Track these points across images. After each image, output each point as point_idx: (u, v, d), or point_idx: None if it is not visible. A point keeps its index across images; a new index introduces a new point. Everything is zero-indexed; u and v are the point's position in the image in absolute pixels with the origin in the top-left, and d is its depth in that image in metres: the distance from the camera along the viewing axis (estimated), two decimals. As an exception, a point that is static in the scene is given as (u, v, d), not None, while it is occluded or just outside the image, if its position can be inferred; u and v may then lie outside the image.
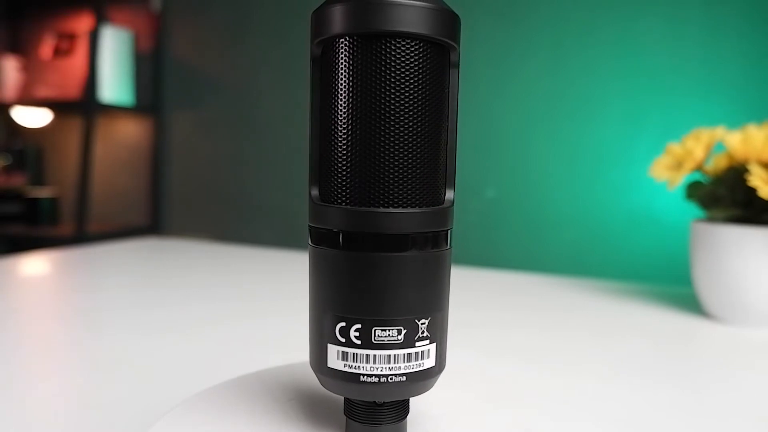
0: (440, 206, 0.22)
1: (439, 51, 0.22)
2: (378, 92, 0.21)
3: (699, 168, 0.56)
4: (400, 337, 0.22)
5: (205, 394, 0.28)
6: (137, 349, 0.43)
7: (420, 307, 0.22)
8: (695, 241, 0.55)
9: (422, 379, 0.23)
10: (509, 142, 1.24)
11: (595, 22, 1.15)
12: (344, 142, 0.21)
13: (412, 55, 0.21)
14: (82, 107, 1.54)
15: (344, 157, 0.22)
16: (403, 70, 0.21)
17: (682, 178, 0.55)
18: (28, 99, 1.68)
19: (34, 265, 0.78)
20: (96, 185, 1.71)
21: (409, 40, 0.21)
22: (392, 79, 0.21)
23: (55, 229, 1.71)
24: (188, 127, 1.66)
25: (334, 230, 0.22)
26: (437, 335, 0.23)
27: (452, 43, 0.22)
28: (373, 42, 0.21)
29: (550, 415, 0.30)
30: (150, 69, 1.68)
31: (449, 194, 0.23)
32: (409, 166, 0.21)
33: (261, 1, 1.52)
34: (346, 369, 0.22)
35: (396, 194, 0.21)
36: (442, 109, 0.22)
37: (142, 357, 0.42)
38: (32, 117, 1.81)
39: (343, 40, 0.21)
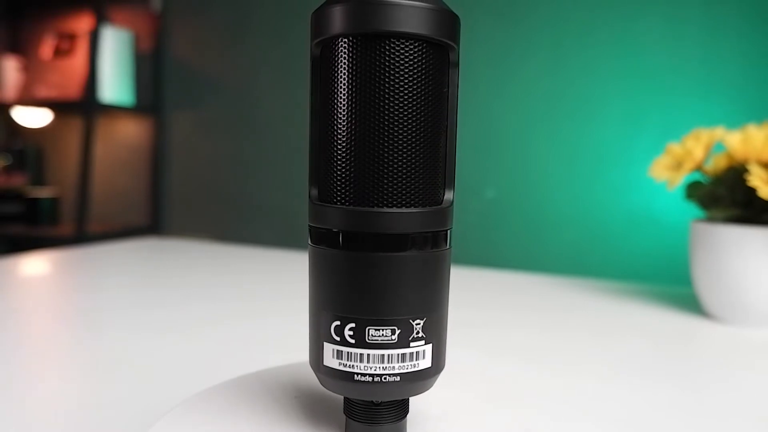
0: (440, 206, 0.22)
1: (438, 51, 0.22)
2: (377, 92, 0.21)
3: (699, 168, 0.56)
4: (394, 337, 0.22)
5: (205, 394, 0.28)
6: (137, 349, 0.43)
7: (415, 308, 0.22)
8: (695, 241, 0.55)
9: (417, 380, 0.22)
10: (509, 142, 1.24)
11: (594, 22, 1.15)
12: (344, 142, 0.22)
13: (412, 55, 0.21)
14: (82, 107, 1.54)
15: (344, 157, 0.22)
16: (402, 70, 0.21)
17: (681, 178, 0.55)
18: (28, 99, 1.68)
19: (35, 265, 0.78)
20: (96, 185, 1.71)
21: (408, 41, 0.21)
22: (392, 80, 0.21)
23: (56, 229, 1.71)
24: (188, 127, 1.66)
25: (334, 230, 0.22)
26: (434, 336, 0.23)
27: (452, 44, 0.22)
28: (372, 42, 0.21)
29: (550, 415, 0.30)
30: (150, 69, 1.68)
31: (449, 194, 0.23)
32: (409, 166, 0.21)
33: (261, 1, 1.52)
34: (341, 368, 0.22)
35: (395, 194, 0.21)
36: (441, 110, 0.22)
37: (142, 357, 0.42)
38: (32, 117, 1.81)
39: (342, 40, 0.21)
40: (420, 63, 0.21)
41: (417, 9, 0.21)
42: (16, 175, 1.81)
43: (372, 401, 0.23)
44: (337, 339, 0.22)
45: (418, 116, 0.21)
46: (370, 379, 0.22)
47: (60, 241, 1.54)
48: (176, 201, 1.69)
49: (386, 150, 0.21)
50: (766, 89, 1.03)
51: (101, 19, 1.53)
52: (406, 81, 0.21)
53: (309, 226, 0.23)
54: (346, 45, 0.21)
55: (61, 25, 1.80)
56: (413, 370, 0.22)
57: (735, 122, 0.63)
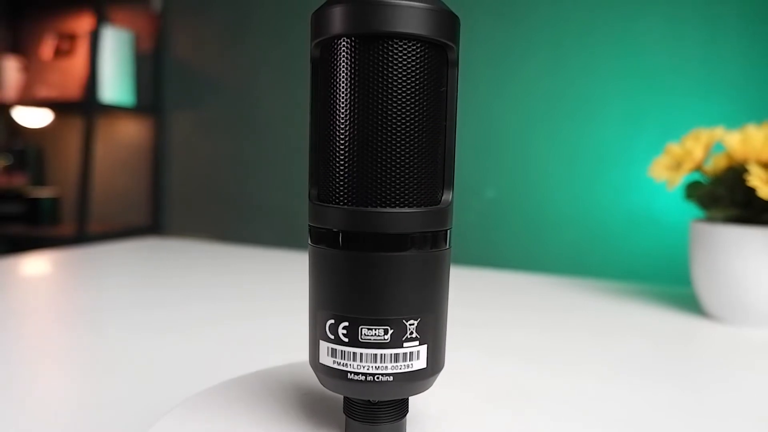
0: (439, 206, 0.22)
1: (438, 52, 0.22)
2: (377, 93, 0.21)
3: (698, 168, 0.56)
4: (386, 337, 0.22)
5: (205, 394, 0.28)
6: (137, 349, 0.43)
7: (409, 308, 0.22)
8: (694, 241, 0.55)
9: (412, 380, 0.22)
10: (509, 142, 1.24)
11: (595, 22, 1.15)
12: (343, 142, 0.22)
13: (412, 55, 0.21)
14: (82, 107, 1.54)
15: (343, 157, 0.22)
16: (402, 70, 0.21)
17: (681, 178, 0.55)
18: (28, 99, 1.68)
19: (35, 265, 0.78)
20: (96, 185, 1.71)
21: (408, 41, 0.21)
22: (391, 80, 0.21)
23: (56, 229, 1.71)
24: (188, 127, 1.66)
25: (334, 230, 0.22)
26: (429, 337, 0.23)
27: (451, 44, 0.22)
28: (372, 43, 0.21)
29: (550, 415, 0.30)
30: (150, 69, 1.68)
31: (448, 194, 0.23)
32: (408, 165, 0.21)
33: (261, 1, 1.52)
34: (335, 366, 0.22)
35: (395, 194, 0.21)
36: (441, 110, 0.22)
37: (142, 357, 0.42)
38: (33, 117, 1.81)
39: (342, 40, 0.21)
40: (420, 63, 0.21)
41: (417, 9, 0.21)
42: (17, 175, 1.81)
43: (369, 400, 0.23)
44: (332, 337, 0.22)
45: (418, 116, 0.21)
46: (363, 378, 0.22)
47: (60, 241, 1.54)
48: (176, 201, 1.69)
49: (386, 150, 0.21)
50: (766, 89, 1.03)
51: (101, 19, 1.53)
52: (406, 81, 0.21)
53: (309, 225, 0.23)
54: (345, 45, 0.21)
55: (62, 25, 1.80)
56: (407, 370, 0.22)
57: (734, 122, 0.63)
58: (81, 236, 1.50)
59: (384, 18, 0.20)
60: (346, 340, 0.22)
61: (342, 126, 0.22)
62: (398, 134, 0.21)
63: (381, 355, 0.22)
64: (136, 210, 1.73)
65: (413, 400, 0.28)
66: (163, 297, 0.60)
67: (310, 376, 0.30)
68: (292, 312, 0.54)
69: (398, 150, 0.21)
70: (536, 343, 0.47)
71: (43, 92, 1.64)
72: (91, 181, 1.59)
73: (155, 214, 1.70)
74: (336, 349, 0.22)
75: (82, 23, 1.75)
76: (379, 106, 0.21)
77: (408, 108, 0.21)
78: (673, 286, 0.70)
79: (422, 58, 0.21)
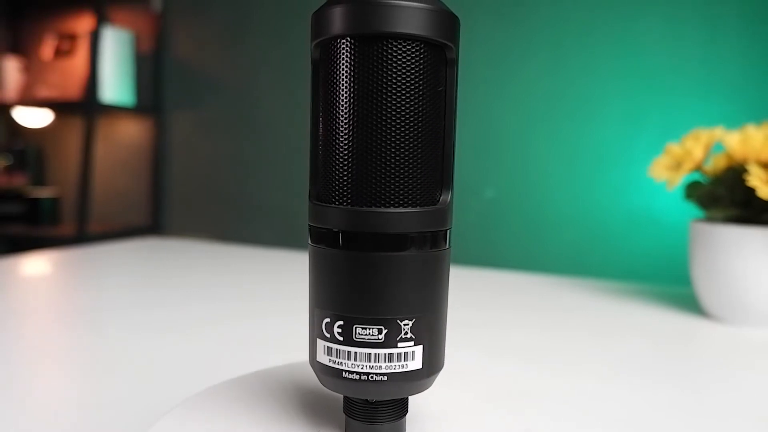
0: (439, 206, 0.23)
1: (438, 52, 0.22)
2: (376, 93, 0.21)
3: (698, 168, 0.56)
4: (380, 337, 0.22)
5: (205, 394, 0.28)
6: (137, 349, 0.43)
7: (404, 308, 0.22)
8: (694, 241, 0.55)
9: (407, 381, 0.22)
10: (509, 143, 1.24)
11: (595, 22, 1.15)
12: (343, 142, 0.22)
13: (412, 56, 0.21)
14: (82, 107, 1.54)
15: (343, 157, 0.22)
16: (402, 71, 0.21)
17: (681, 178, 0.55)
18: (29, 99, 1.68)
19: (35, 265, 0.78)
20: (97, 185, 1.71)
21: (408, 42, 0.21)
22: (391, 80, 0.21)
23: (56, 229, 1.71)
24: (188, 127, 1.66)
25: (334, 230, 0.22)
26: (425, 337, 0.22)
27: (451, 45, 0.22)
28: (372, 43, 0.21)
29: (550, 415, 0.30)
30: (150, 69, 1.68)
31: (448, 194, 0.23)
32: (408, 165, 0.21)
33: (261, 1, 1.52)
34: (331, 364, 0.23)
35: (394, 194, 0.21)
36: (440, 110, 0.22)
37: (142, 357, 0.42)
38: (33, 117, 1.81)
39: (342, 41, 0.21)
40: (419, 64, 0.21)
41: (417, 10, 0.21)
42: (17, 175, 1.81)
43: (367, 400, 0.23)
44: (328, 336, 0.23)
45: (418, 117, 0.21)
46: (357, 377, 0.22)
47: (60, 241, 1.54)
48: (176, 201, 1.69)
49: (385, 150, 0.21)
50: (766, 89, 1.03)
51: (102, 19, 1.53)
52: (406, 82, 0.21)
53: (309, 225, 0.24)
54: (345, 46, 0.21)
55: (62, 25, 1.80)
56: (402, 370, 0.22)
57: (734, 122, 0.63)
58: (81, 236, 1.50)
59: (384, 18, 0.20)
60: (341, 338, 0.22)
61: (341, 126, 0.22)
62: (398, 134, 0.21)
63: (375, 354, 0.22)
64: (136, 210, 1.73)
65: (413, 400, 0.28)
66: (163, 297, 0.60)
67: (310, 376, 0.30)
68: (292, 312, 0.54)
69: (398, 150, 0.21)
70: (536, 343, 0.47)
71: (44, 92, 1.64)
72: (92, 181, 1.59)
73: (155, 214, 1.70)
74: (332, 348, 0.22)
75: (83, 23, 1.76)
76: (379, 107, 0.21)
77: (408, 108, 0.21)
78: (673, 286, 0.70)
79: (422, 59, 0.21)
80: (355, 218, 0.21)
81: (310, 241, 0.24)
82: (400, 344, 0.22)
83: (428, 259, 0.22)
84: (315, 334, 0.23)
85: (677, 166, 0.56)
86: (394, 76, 0.21)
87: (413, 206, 0.22)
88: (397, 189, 0.21)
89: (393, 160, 0.21)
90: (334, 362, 0.22)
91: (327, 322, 0.22)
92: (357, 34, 0.21)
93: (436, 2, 0.21)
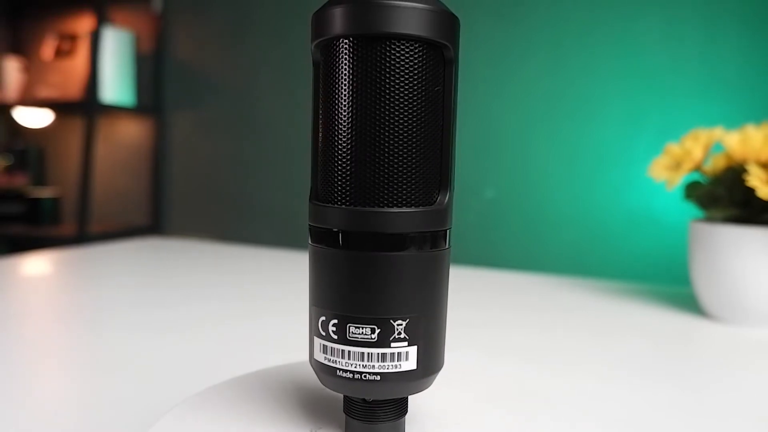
0: (438, 206, 0.23)
1: (437, 52, 0.22)
2: (376, 93, 0.21)
3: (697, 168, 0.56)
4: (373, 336, 0.22)
5: (205, 394, 0.28)
6: (137, 349, 0.43)
7: (397, 308, 0.22)
8: (694, 241, 0.55)
9: (400, 381, 0.22)
10: (508, 143, 1.24)
11: (594, 22, 1.15)
12: (342, 142, 0.22)
13: (412, 56, 0.21)
14: (83, 108, 1.54)
15: (343, 157, 0.22)
16: (402, 71, 0.21)
17: (680, 179, 0.55)
18: (29, 99, 1.68)
19: (36, 265, 0.78)
20: (97, 185, 1.71)
21: (408, 42, 0.21)
22: (391, 81, 0.21)
23: (57, 229, 1.71)
24: (188, 128, 1.66)
25: (333, 230, 0.22)
26: (419, 338, 0.22)
27: (451, 45, 0.22)
28: (372, 43, 0.21)
29: (550, 415, 0.30)
30: (151, 69, 1.68)
31: (448, 194, 0.23)
32: (408, 165, 0.22)
33: (261, 1, 1.52)
34: (326, 362, 0.23)
35: (394, 194, 0.21)
36: (440, 110, 0.22)
37: (142, 357, 0.42)
38: (34, 117, 1.81)
39: (342, 41, 0.21)
40: (419, 64, 0.21)
41: (417, 11, 0.21)
42: (18, 176, 1.81)
43: (364, 399, 0.23)
44: (323, 334, 0.23)
45: (417, 117, 0.21)
46: (351, 375, 0.22)
47: (61, 241, 1.54)
48: (177, 201, 1.69)
49: (385, 150, 0.21)
50: (766, 89, 1.03)
51: (102, 19, 1.53)
52: (406, 82, 0.21)
53: (309, 225, 0.24)
54: (345, 46, 0.21)
55: (62, 25, 1.80)
56: (395, 370, 0.22)
57: (734, 122, 0.63)
58: (81, 236, 1.50)
59: (384, 19, 0.20)
60: (335, 337, 0.22)
61: (341, 126, 0.22)
62: (398, 134, 0.21)
63: (368, 354, 0.22)
64: (136, 210, 1.73)
65: (413, 400, 0.28)
66: (163, 297, 0.60)
67: (310, 376, 0.30)
68: (292, 312, 0.54)
69: (397, 150, 0.21)
70: (536, 343, 0.47)
71: (44, 92, 1.65)
72: (92, 181, 1.59)
73: (155, 214, 1.70)
74: (327, 346, 0.23)
75: (83, 23, 1.76)
76: (379, 107, 0.21)
77: (408, 109, 0.21)
78: (673, 286, 0.70)
79: (422, 59, 0.21)
80: (354, 218, 0.22)
81: (310, 241, 0.24)
82: (393, 344, 0.22)
83: (428, 259, 0.22)
84: (313, 332, 0.23)
85: (677, 166, 0.56)
86: (393, 76, 0.21)
87: (413, 206, 0.22)
88: (396, 189, 0.21)
89: (392, 160, 0.21)
90: (330, 360, 0.23)
91: (323, 321, 0.23)
92: (357, 34, 0.21)
93: (436, 3, 0.21)
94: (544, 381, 0.37)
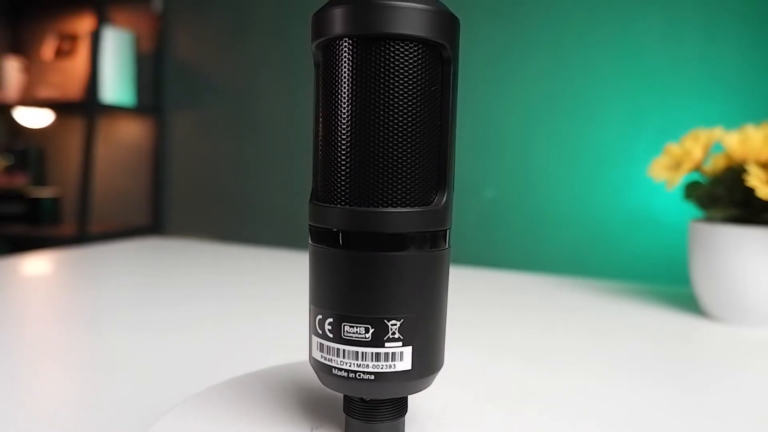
0: (438, 206, 0.23)
1: (437, 53, 0.22)
2: (376, 94, 0.21)
3: (697, 168, 0.56)
4: (368, 336, 0.22)
5: (205, 394, 0.28)
6: (137, 349, 0.43)
7: (392, 308, 0.22)
8: (694, 241, 0.55)
9: (395, 381, 0.22)
10: (508, 143, 1.24)
11: (594, 22, 1.15)
12: (342, 142, 0.22)
13: (412, 57, 0.21)
14: (83, 108, 1.54)
15: (343, 157, 0.22)
16: (402, 71, 0.21)
17: (680, 179, 0.55)
18: (29, 99, 1.68)
19: (36, 265, 0.78)
20: (97, 185, 1.71)
21: (408, 42, 0.21)
22: (391, 81, 0.21)
23: (57, 229, 1.71)
24: (189, 128, 1.66)
25: (333, 230, 0.22)
26: (415, 338, 0.22)
27: (451, 45, 0.22)
28: (372, 44, 0.21)
29: (550, 415, 0.30)
30: (151, 69, 1.68)
31: (448, 194, 0.23)
32: (408, 166, 0.22)
33: (261, 1, 1.52)
34: (322, 360, 0.23)
35: (394, 194, 0.22)
36: (440, 110, 0.22)
37: (142, 357, 0.42)
38: (34, 117, 1.81)
39: (342, 41, 0.21)
40: (419, 64, 0.21)
41: (417, 11, 0.21)
42: (18, 176, 1.81)
43: (362, 398, 0.23)
44: (320, 332, 0.23)
45: (417, 117, 0.21)
46: (345, 374, 0.22)
47: (61, 241, 1.54)
48: (177, 201, 1.69)
49: (385, 150, 0.21)
50: (765, 90, 1.03)
51: (102, 19, 1.53)
52: (406, 82, 0.21)
53: (309, 225, 0.24)
54: (346, 47, 0.21)
55: (63, 25, 1.80)
56: (389, 370, 0.22)
57: (734, 122, 0.63)
58: (82, 236, 1.50)
59: (384, 19, 0.20)
60: (331, 335, 0.22)
61: (340, 126, 0.22)
62: (398, 135, 0.21)
63: (362, 353, 0.22)
64: (136, 210, 1.73)
65: (413, 400, 0.28)
66: (163, 297, 0.60)
67: (310, 376, 0.30)
68: (292, 312, 0.54)
69: (397, 150, 0.21)
70: (536, 343, 0.47)
71: (44, 92, 1.65)
72: (92, 181, 1.59)
73: (155, 214, 1.70)
74: (323, 344, 0.23)
75: (83, 24, 1.76)
76: (379, 107, 0.21)
77: (407, 108, 0.21)
78: (673, 286, 0.70)
79: (422, 60, 0.21)
80: (354, 218, 0.22)
81: (310, 241, 0.24)
82: (387, 344, 0.22)
83: (428, 258, 0.22)
84: (311, 330, 0.24)
85: (677, 166, 0.56)
86: (394, 76, 0.21)
87: (412, 206, 0.22)
88: (395, 189, 0.21)
89: (392, 161, 0.21)
90: (326, 359, 0.23)
91: (320, 319, 0.23)
92: (357, 34, 0.21)
93: (436, 3, 0.21)
94: (544, 381, 0.37)
